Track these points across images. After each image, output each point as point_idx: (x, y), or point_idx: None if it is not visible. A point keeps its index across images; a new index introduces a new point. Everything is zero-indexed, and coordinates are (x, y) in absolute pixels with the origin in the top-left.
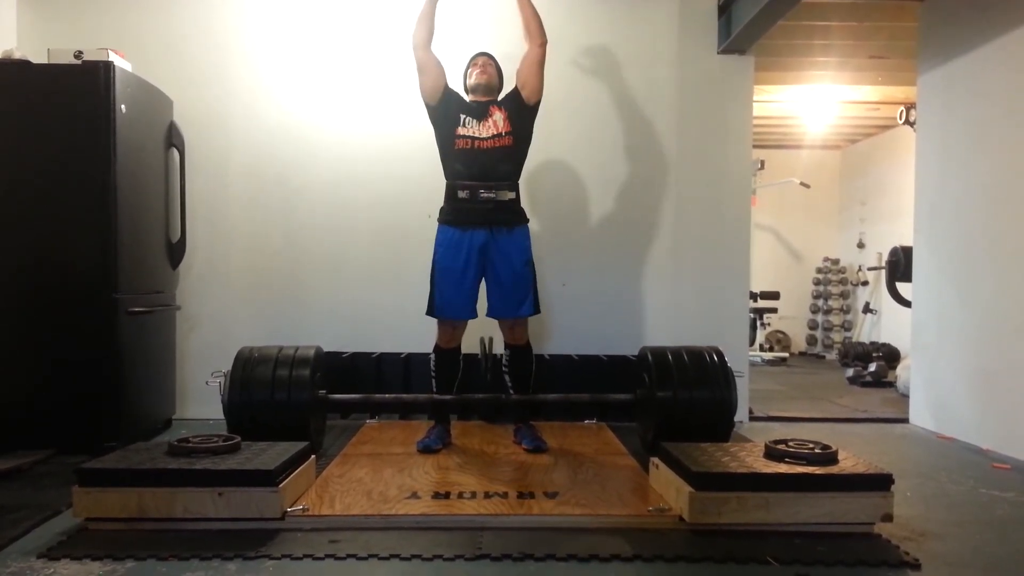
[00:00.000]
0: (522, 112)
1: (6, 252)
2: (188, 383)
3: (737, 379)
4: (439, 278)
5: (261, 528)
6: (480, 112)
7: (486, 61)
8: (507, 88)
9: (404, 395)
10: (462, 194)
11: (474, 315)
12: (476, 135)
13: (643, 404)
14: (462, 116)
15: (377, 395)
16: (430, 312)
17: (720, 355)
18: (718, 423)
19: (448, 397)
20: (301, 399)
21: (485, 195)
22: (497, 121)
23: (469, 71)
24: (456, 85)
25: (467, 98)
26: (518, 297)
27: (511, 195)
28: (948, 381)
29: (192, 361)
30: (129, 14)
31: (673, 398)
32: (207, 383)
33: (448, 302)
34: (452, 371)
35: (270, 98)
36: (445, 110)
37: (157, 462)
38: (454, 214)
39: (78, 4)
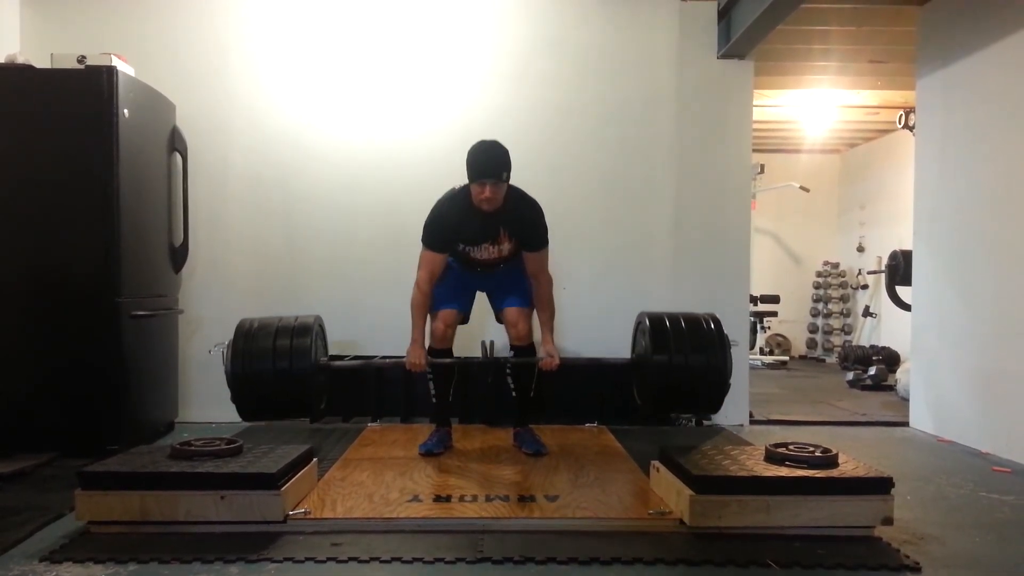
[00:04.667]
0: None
1: (9, 256)
2: (190, 386)
3: (737, 382)
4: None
5: (263, 531)
6: (484, 236)
7: (496, 189)
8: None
9: (404, 356)
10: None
11: (467, 312)
12: (477, 257)
13: (640, 367)
14: (462, 245)
15: (376, 358)
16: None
17: (717, 322)
18: (712, 388)
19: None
20: (303, 367)
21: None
22: (502, 248)
23: (477, 191)
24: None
25: (469, 210)
26: (522, 288)
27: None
28: (948, 384)
29: (194, 365)
30: (132, 19)
31: (669, 362)
32: (209, 352)
33: (443, 295)
34: (448, 372)
35: (273, 103)
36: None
37: (160, 465)
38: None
39: (81, 9)
